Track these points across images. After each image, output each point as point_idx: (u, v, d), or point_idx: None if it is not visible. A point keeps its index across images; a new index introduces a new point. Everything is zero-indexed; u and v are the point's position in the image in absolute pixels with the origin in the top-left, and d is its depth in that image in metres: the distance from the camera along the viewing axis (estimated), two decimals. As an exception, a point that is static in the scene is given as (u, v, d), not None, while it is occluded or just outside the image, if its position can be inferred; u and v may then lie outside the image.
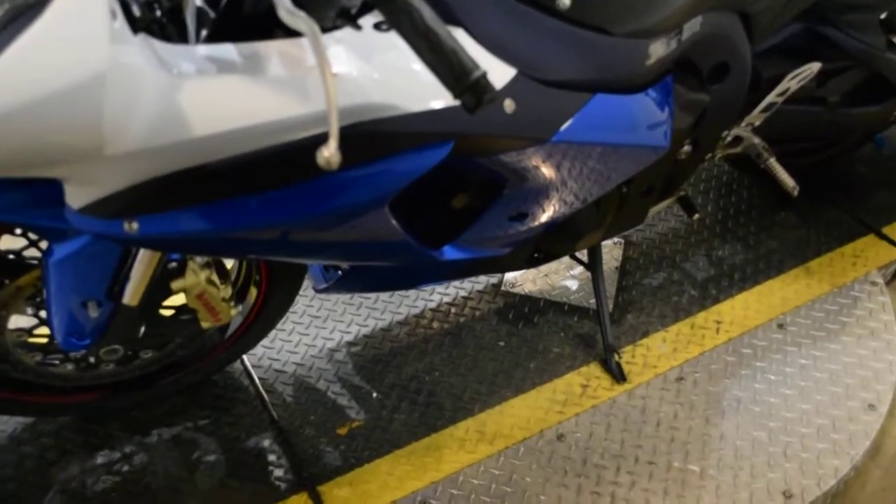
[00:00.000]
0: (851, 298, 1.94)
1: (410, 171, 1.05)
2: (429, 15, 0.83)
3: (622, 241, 2.05)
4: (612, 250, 2.02)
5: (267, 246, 1.08)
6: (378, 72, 0.96)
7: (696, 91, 1.43)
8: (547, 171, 1.19)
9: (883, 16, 1.74)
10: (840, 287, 1.96)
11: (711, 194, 2.19)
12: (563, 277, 1.94)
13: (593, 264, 1.75)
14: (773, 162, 1.74)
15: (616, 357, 1.76)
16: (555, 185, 1.23)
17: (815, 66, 1.63)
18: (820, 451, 1.63)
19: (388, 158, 1.03)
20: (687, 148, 1.55)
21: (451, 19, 1.04)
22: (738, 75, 1.48)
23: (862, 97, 1.84)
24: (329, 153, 0.78)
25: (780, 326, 1.86)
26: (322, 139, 0.94)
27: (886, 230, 2.11)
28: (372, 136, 1.01)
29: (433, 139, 1.03)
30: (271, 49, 0.94)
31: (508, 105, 1.06)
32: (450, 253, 1.28)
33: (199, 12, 1.02)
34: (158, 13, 1.01)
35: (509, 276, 1.94)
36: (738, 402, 1.71)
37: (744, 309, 1.89)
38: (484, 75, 0.82)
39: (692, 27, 1.31)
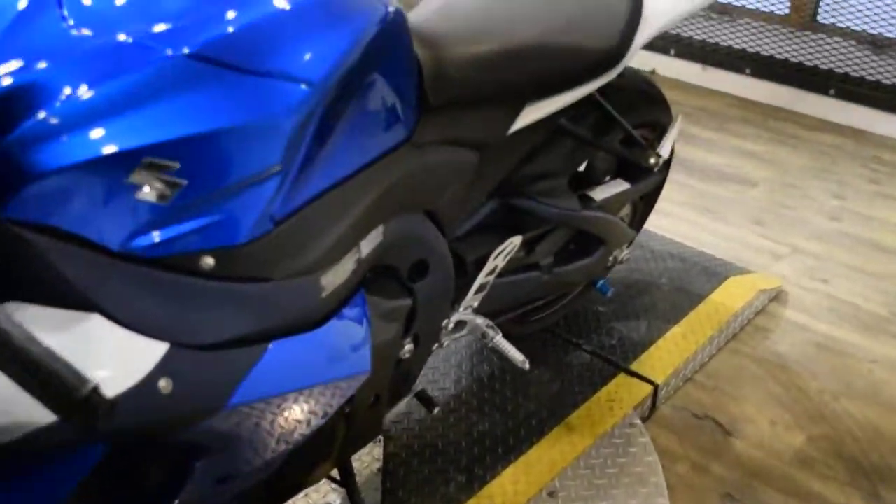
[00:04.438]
0: (613, 447, 1.94)
1: (64, 483, 0.92)
2: (20, 334, 0.73)
3: (381, 437, 1.96)
4: (372, 450, 1.93)
5: None
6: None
7: (398, 296, 1.39)
8: (234, 436, 1.09)
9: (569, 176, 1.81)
10: (601, 437, 1.96)
11: (464, 366, 2.17)
12: (324, 494, 1.82)
13: (346, 480, 1.65)
14: (498, 340, 1.73)
15: (390, 572, 1.64)
16: (251, 445, 1.13)
17: (516, 240, 1.65)
18: None
19: (32, 476, 0.90)
20: (408, 347, 1.51)
21: (85, 303, 0.94)
22: (440, 268, 1.47)
23: (573, 253, 1.89)
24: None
25: (551, 495, 1.82)
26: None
27: (634, 366, 2.15)
28: (6, 455, 0.88)
29: (79, 446, 0.91)
30: None
31: (164, 385, 0.96)
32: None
33: None
34: None
35: None
36: (523, 590, 1.63)
37: (513, 484, 1.84)
38: (95, 389, 0.72)
39: (373, 239, 1.28)
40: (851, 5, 3.54)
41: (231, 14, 1.00)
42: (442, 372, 2.15)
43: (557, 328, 2.26)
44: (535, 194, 1.69)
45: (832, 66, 3.51)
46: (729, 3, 3.80)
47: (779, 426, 2.08)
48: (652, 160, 1.82)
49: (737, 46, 3.72)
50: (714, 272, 2.53)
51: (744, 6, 3.79)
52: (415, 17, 1.47)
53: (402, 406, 1.64)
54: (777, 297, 2.52)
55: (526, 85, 1.46)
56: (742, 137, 3.45)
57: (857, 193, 3.07)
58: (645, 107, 1.92)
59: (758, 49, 3.66)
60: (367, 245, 1.26)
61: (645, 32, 1.60)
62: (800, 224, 2.88)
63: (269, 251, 1.04)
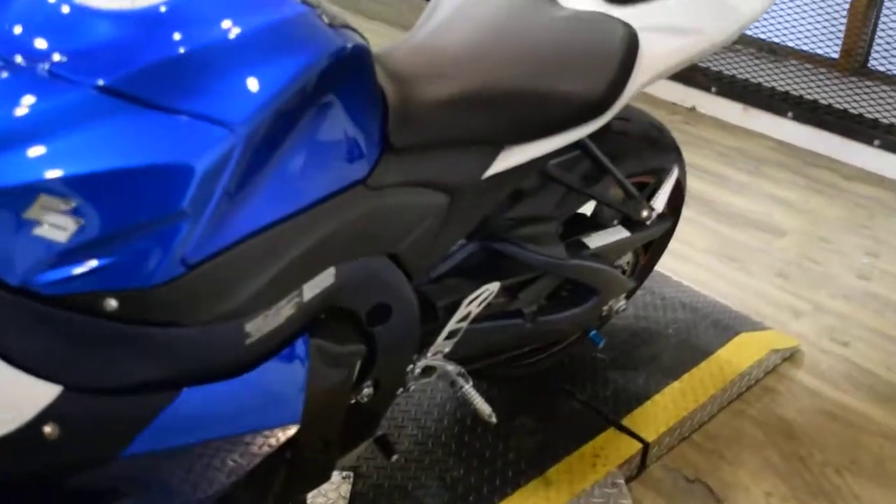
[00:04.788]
0: (591, 506, 1.85)
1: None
2: None
3: (351, 473, 1.90)
4: (339, 486, 1.87)
5: None
6: None
7: (350, 340, 1.33)
8: (147, 480, 1.03)
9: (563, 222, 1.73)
10: (579, 495, 1.86)
11: (447, 405, 2.09)
12: (281, 531, 1.76)
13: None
14: (467, 389, 1.65)
15: None
16: (169, 490, 1.08)
17: (493, 287, 1.57)
18: None
19: None
20: (367, 391, 1.44)
21: (-27, 340, 0.90)
22: (403, 312, 1.40)
23: (561, 302, 1.80)
24: None
25: (517, 553, 1.74)
26: None
27: (626, 421, 2.06)
28: None
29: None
30: None
31: (49, 431, 0.91)
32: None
33: None
34: None
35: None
36: None
37: (479, 537, 1.76)
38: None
39: (321, 282, 1.21)
40: (904, 53, 3.40)
41: (159, 44, 0.95)
42: (425, 409, 2.08)
43: (549, 373, 2.17)
44: (519, 239, 1.60)
45: (878, 115, 3.36)
46: (775, 43, 3.68)
47: (774, 497, 1.96)
48: (644, 213, 1.73)
49: (780, 88, 3.59)
50: (725, 326, 2.41)
51: (790, 47, 3.66)
52: (391, 51, 1.41)
53: (358, 451, 1.57)
54: (791, 357, 2.40)
55: (502, 129, 1.38)
56: (776, 183, 3.32)
57: (892, 252, 2.92)
58: (649, 153, 1.82)
59: (802, 92, 3.53)
60: (313, 288, 1.20)
61: (640, 78, 1.51)
62: (826, 280, 2.75)
63: (181, 295, 0.99)
